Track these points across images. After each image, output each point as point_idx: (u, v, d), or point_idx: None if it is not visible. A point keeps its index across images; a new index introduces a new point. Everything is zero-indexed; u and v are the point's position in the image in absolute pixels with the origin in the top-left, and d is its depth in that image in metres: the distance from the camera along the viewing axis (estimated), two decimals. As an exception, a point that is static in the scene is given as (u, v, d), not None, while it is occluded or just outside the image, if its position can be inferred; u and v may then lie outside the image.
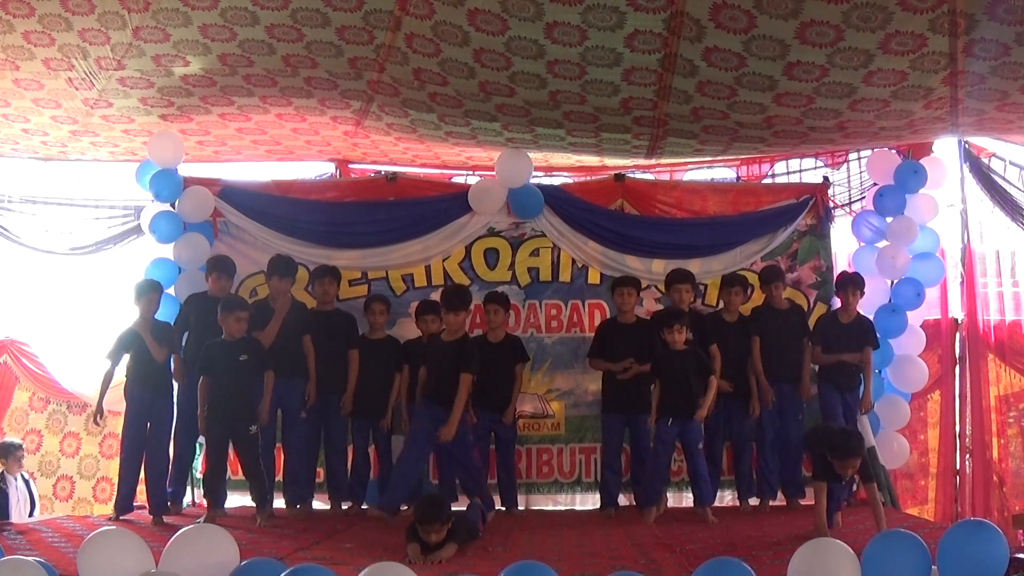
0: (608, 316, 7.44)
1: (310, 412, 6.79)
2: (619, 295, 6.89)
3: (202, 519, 6.04)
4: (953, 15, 4.98)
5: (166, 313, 7.13)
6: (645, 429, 6.76)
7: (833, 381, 7.01)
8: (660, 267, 7.49)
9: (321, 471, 7.13)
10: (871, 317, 7.60)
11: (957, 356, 7.92)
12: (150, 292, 6.71)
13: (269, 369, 6.42)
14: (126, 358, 6.70)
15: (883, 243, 7.70)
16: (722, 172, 8.68)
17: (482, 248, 7.72)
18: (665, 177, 8.59)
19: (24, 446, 7.80)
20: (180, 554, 4.10)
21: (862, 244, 7.86)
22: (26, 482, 7.70)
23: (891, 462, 7.47)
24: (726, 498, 7.33)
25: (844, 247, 8.13)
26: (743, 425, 7.04)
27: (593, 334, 7.15)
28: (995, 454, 7.68)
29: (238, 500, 7.12)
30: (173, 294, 7.43)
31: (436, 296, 7.31)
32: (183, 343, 6.91)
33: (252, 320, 6.77)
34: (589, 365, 7.11)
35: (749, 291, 7.28)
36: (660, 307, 7.43)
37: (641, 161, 7.94)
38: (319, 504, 7.13)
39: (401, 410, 6.88)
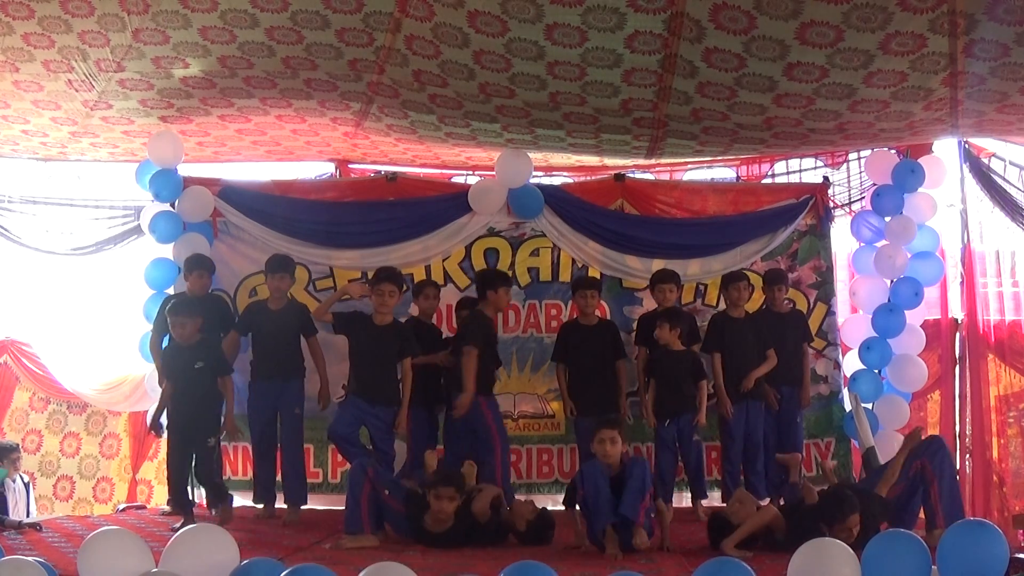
0: (606, 316, 7.45)
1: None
2: (580, 298, 6.87)
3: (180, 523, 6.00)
4: (953, 15, 4.99)
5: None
6: None
7: None
8: (660, 267, 7.48)
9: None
10: (869, 317, 7.63)
11: (957, 356, 7.91)
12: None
13: (225, 374, 6.38)
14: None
15: (882, 243, 7.70)
16: (722, 172, 8.68)
17: (482, 248, 7.72)
18: (665, 177, 8.58)
19: (20, 447, 7.77)
20: (180, 554, 4.10)
21: (862, 244, 7.86)
22: (25, 484, 7.69)
23: (891, 462, 7.47)
24: None
25: (844, 247, 8.13)
26: (757, 425, 6.98)
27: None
28: (995, 454, 7.67)
29: (238, 500, 7.11)
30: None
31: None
32: (164, 347, 6.90)
33: (251, 320, 6.77)
34: (556, 371, 7.05)
35: (751, 288, 7.25)
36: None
37: (641, 161, 7.94)
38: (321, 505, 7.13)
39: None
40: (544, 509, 5.88)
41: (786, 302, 7.42)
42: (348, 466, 6.34)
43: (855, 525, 4.88)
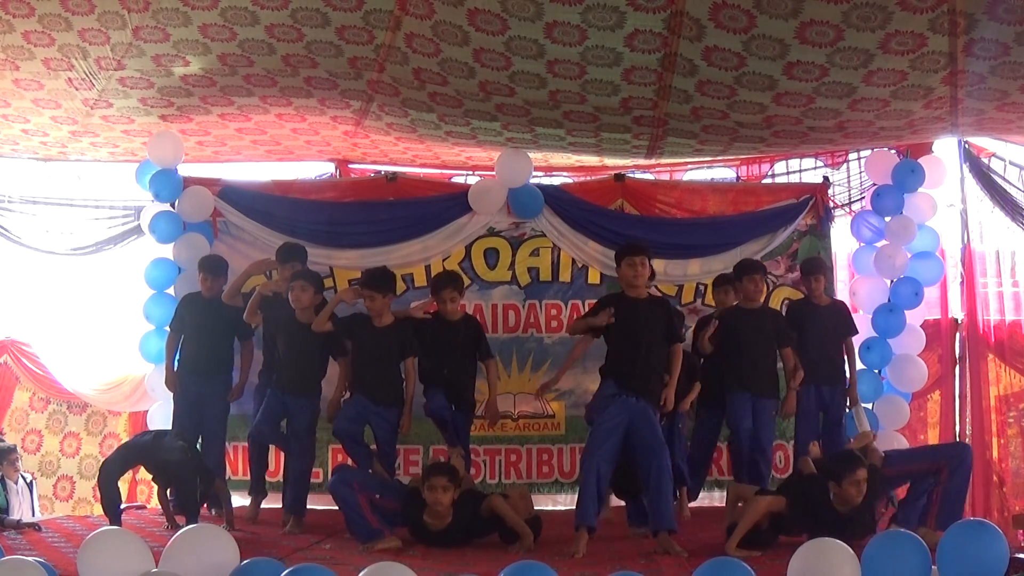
0: None
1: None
2: (628, 267, 5.63)
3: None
4: (953, 15, 4.98)
5: (165, 315, 7.19)
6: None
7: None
8: (660, 267, 7.45)
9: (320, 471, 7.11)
10: (869, 317, 7.61)
11: (957, 356, 7.90)
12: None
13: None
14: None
15: (882, 243, 7.69)
16: (722, 172, 8.68)
17: (482, 248, 7.72)
18: (665, 177, 8.59)
19: (17, 448, 7.75)
20: (180, 554, 4.11)
21: (862, 244, 7.86)
22: (28, 484, 7.68)
23: (891, 462, 7.46)
24: None
25: (844, 247, 8.13)
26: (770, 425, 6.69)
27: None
28: (995, 454, 7.66)
29: (237, 500, 7.10)
30: (173, 294, 7.43)
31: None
32: (178, 346, 6.92)
33: (264, 308, 6.57)
34: (569, 331, 6.38)
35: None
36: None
37: (641, 161, 7.95)
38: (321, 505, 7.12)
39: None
40: (536, 513, 5.79)
41: (826, 296, 7.01)
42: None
43: (864, 480, 5.05)
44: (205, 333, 6.78)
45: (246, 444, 7.46)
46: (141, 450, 6.04)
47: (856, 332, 7.07)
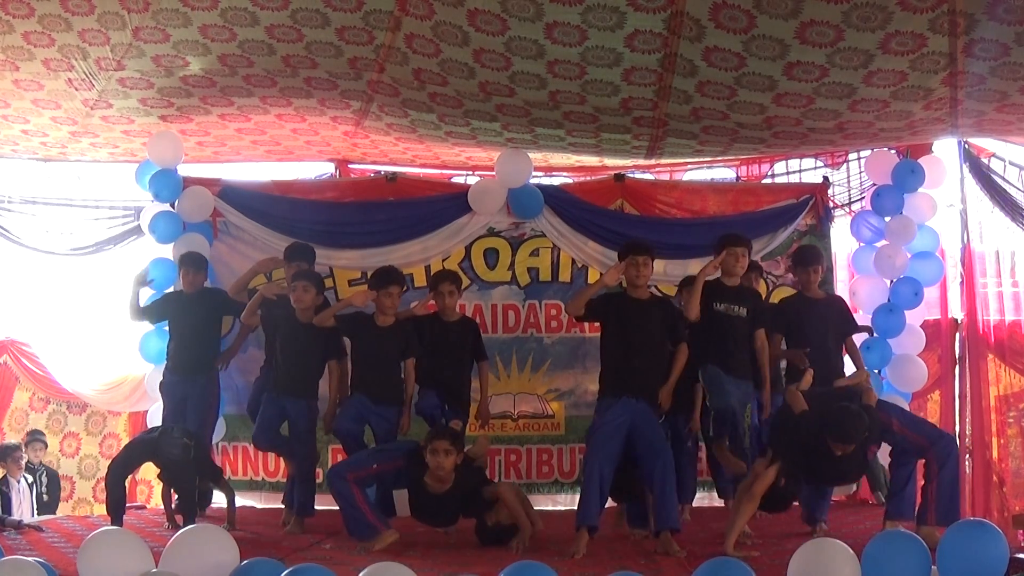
0: None
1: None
2: (632, 266, 5.54)
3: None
4: (953, 15, 4.99)
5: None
6: None
7: None
8: (660, 267, 7.43)
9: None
10: (869, 317, 7.61)
11: (957, 356, 7.91)
12: None
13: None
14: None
15: (882, 243, 7.70)
16: (722, 172, 8.69)
17: (482, 248, 7.72)
18: (665, 177, 8.60)
19: (22, 447, 7.76)
20: (180, 554, 4.11)
21: (862, 244, 7.86)
22: (29, 485, 7.68)
23: (891, 462, 7.45)
24: None
25: (844, 247, 8.13)
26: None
27: (594, 334, 6.80)
28: (995, 454, 7.67)
29: (238, 500, 7.10)
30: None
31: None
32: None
33: (271, 312, 6.43)
34: (569, 309, 5.85)
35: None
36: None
37: (641, 161, 7.95)
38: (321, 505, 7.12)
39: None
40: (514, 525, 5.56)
41: (821, 290, 6.62)
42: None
43: (844, 451, 4.95)
44: (188, 331, 6.79)
45: (247, 445, 7.52)
46: (146, 446, 6.07)
47: (856, 330, 6.61)
